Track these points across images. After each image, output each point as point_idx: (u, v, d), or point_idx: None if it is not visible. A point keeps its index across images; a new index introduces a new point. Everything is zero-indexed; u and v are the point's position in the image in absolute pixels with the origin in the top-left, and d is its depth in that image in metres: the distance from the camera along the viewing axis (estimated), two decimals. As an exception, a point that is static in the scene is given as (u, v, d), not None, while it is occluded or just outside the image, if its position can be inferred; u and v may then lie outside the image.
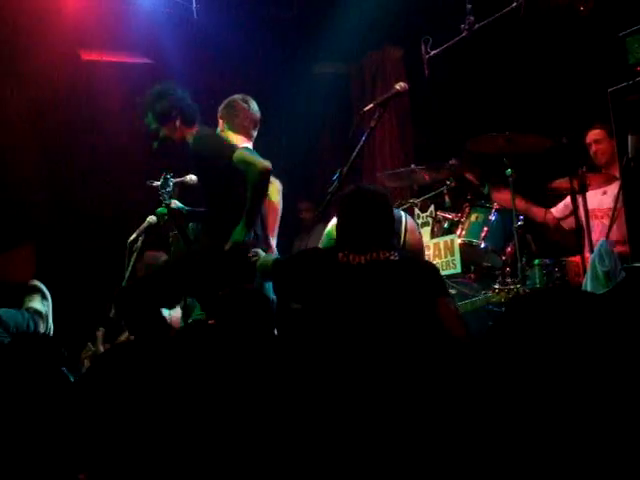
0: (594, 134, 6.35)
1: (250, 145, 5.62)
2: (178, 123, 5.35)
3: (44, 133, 8.13)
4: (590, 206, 5.82)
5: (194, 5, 7.57)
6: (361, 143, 4.82)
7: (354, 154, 4.77)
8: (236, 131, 5.66)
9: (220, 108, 5.77)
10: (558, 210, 6.56)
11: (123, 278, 6.32)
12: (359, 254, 3.90)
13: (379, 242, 3.95)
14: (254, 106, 5.78)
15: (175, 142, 5.43)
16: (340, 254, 3.91)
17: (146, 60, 8.19)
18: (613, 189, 6.07)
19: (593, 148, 6.35)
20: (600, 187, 6.20)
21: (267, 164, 5.06)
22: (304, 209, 8.46)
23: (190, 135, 5.36)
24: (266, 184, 5.13)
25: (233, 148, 5.18)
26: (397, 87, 4.92)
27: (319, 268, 3.92)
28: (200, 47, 8.08)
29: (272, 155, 6.33)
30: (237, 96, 5.81)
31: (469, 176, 6.49)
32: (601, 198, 6.22)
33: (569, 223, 6.38)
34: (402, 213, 4.98)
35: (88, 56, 7.96)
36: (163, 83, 5.48)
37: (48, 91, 7.86)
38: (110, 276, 6.66)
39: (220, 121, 5.73)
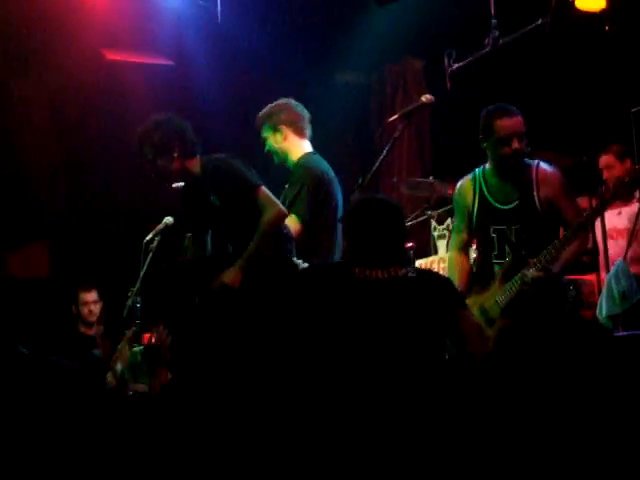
0: (605, 160, 6.31)
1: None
2: (177, 154, 5.18)
3: (65, 132, 8.18)
4: (606, 226, 5.82)
5: (218, 9, 7.59)
6: (384, 153, 4.81)
7: (377, 164, 4.76)
8: (300, 135, 5.51)
9: (274, 115, 5.52)
10: None
11: (138, 278, 6.34)
12: (375, 269, 3.77)
13: (395, 258, 3.87)
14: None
15: (172, 175, 5.28)
16: (357, 269, 3.77)
17: (169, 62, 8.22)
18: (628, 210, 6.08)
19: (605, 175, 6.33)
20: (616, 207, 6.21)
21: (284, 212, 5.00)
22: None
23: (195, 166, 5.24)
24: (276, 232, 5.03)
25: (254, 183, 5.07)
26: (423, 99, 4.89)
27: (336, 284, 3.81)
28: (223, 51, 8.11)
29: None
30: (283, 100, 5.63)
31: None
32: (617, 218, 6.22)
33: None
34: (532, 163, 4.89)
35: (112, 56, 7.99)
36: (161, 114, 5.31)
37: (71, 90, 7.91)
38: (125, 276, 6.68)
39: (283, 128, 5.46)
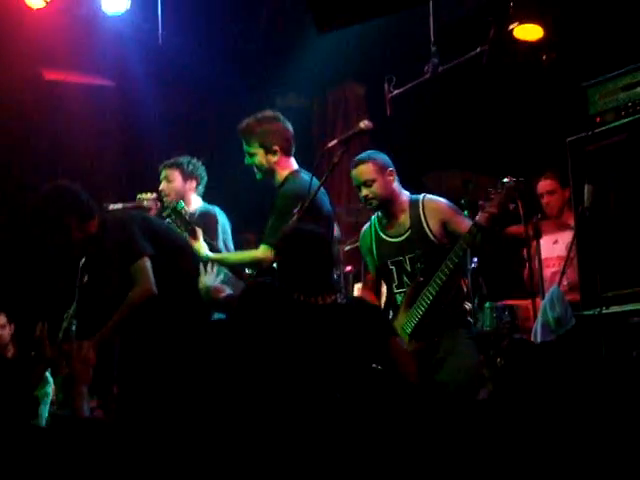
0: (546, 184, 6.42)
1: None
2: (75, 224, 5.11)
3: (3, 151, 8.06)
4: (542, 255, 5.89)
5: (160, 30, 7.57)
6: (323, 179, 4.85)
7: (316, 189, 4.79)
8: (289, 154, 5.39)
9: (269, 135, 5.33)
10: None
11: (74, 300, 6.27)
12: (306, 296, 3.86)
13: (323, 286, 3.93)
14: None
15: (76, 245, 5.23)
16: (295, 293, 3.86)
17: (110, 83, 8.18)
18: (565, 238, 6.14)
19: (545, 199, 6.41)
20: (552, 235, 6.28)
21: (153, 291, 5.01)
22: (252, 241, 8.42)
23: (94, 226, 5.19)
24: (141, 308, 5.04)
25: (140, 251, 5.08)
26: (361, 125, 4.94)
27: (276, 305, 3.88)
28: (164, 73, 8.09)
29: (230, 185, 6.36)
30: (270, 114, 5.49)
31: None
32: (552, 247, 6.29)
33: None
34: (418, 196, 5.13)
35: (51, 75, 7.92)
36: (48, 186, 5.23)
37: (9, 110, 7.82)
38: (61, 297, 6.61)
39: (277, 149, 5.32)
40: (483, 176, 5.91)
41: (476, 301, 5.80)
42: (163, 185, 6.22)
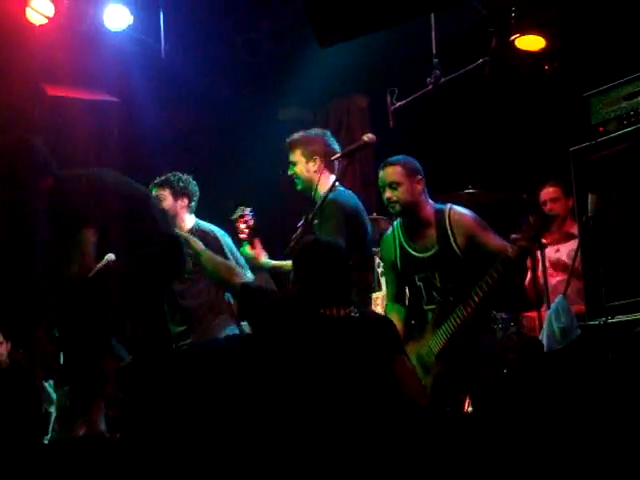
0: (550, 192, 6.41)
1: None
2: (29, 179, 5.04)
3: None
4: (546, 264, 5.88)
5: (162, 45, 7.59)
6: (327, 192, 4.85)
7: (320, 202, 4.80)
8: (331, 169, 5.46)
9: (311, 144, 5.50)
10: None
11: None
12: (324, 308, 3.88)
13: (339, 298, 3.93)
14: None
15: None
16: (313, 305, 3.89)
17: (113, 98, 8.18)
18: (567, 247, 6.14)
19: (548, 206, 6.40)
20: (555, 244, 6.27)
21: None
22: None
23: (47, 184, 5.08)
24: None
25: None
26: (365, 138, 4.97)
27: (290, 317, 3.91)
28: (167, 87, 8.10)
29: (234, 199, 6.36)
30: (319, 130, 5.66)
31: None
32: (554, 256, 6.28)
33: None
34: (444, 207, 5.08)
35: (54, 92, 7.93)
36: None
37: (12, 126, 7.81)
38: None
39: (317, 159, 5.42)
40: (488, 189, 5.91)
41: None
42: None
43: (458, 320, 4.75)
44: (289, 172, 5.50)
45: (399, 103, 5.74)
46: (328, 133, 5.57)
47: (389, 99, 5.77)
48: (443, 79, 5.62)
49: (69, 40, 7.60)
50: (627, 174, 4.78)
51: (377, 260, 6.33)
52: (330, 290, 3.91)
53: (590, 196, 4.86)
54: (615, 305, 4.80)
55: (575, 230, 5.50)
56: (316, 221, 5.22)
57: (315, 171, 5.33)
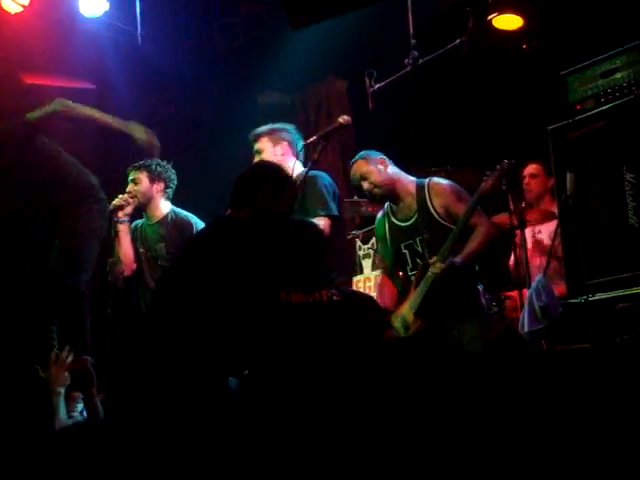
0: (531, 168, 6.45)
1: None
2: None
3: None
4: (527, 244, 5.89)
5: (139, 31, 7.55)
6: (304, 175, 4.85)
7: (297, 184, 4.79)
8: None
9: (278, 131, 5.74)
10: None
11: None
12: (301, 293, 3.83)
13: (318, 281, 3.90)
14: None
15: None
16: (282, 292, 3.83)
17: (89, 85, 8.14)
18: (548, 227, 6.15)
19: (526, 181, 6.44)
20: (536, 224, 6.28)
21: None
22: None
23: None
24: None
25: None
26: (340, 120, 4.99)
27: (260, 307, 3.84)
28: (144, 73, 8.05)
29: (212, 185, 6.34)
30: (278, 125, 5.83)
31: None
32: (537, 237, 6.28)
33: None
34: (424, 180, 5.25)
35: (31, 80, 7.87)
36: None
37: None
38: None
39: (285, 142, 5.70)
40: (466, 169, 5.91)
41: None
42: (130, 187, 6.18)
43: (430, 279, 4.88)
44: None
45: (378, 85, 5.72)
46: (293, 126, 5.75)
47: (368, 81, 5.75)
48: (421, 60, 5.60)
49: (45, 28, 7.54)
50: (605, 152, 4.78)
51: (358, 243, 6.34)
52: (306, 273, 3.88)
53: (569, 174, 4.87)
54: (595, 283, 4.82)
55: (555, 209, 5.50)
56: None
57: (282, 154, 5.39)
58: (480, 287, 5.23)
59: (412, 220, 5.19)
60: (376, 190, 5.20)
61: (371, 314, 3.95)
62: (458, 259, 4.89)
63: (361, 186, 5.26)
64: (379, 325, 3.93)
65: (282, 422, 3.50)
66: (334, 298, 3.85)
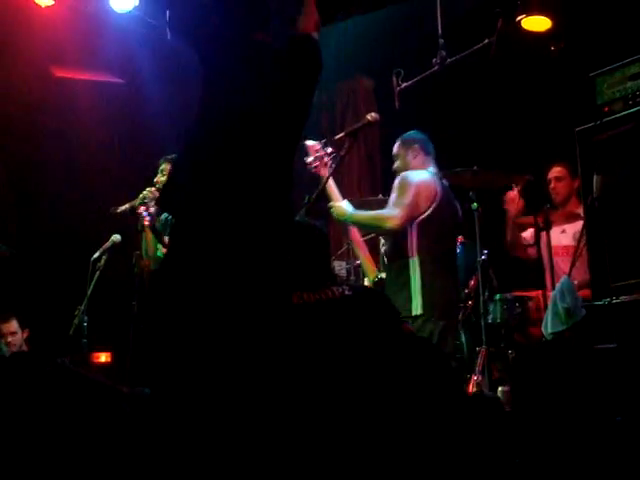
0: (556, 171, 6.42)
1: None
2: None
3: (12, 149, 8.06)
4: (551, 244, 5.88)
5: (167, 27, 7.56)
6: (330, 171, 4.87)
7: (323, 182, 4.81)
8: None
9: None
10: (526, 238, 6.61)
11: (85, 296, 6.31)
12: (312, 292, 3.81)
13: (326, 278, 3.93)
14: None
15: None
16: (295, 296, 3.82)
17: (118, 80, 8.19)
18: (572, 228, 6.14)
19: (552, 184, 6.41)
20: (560, 225, 6.27)
21: None
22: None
23: None
24: None
25: None
26: (368, 117, 4.99)
27: (275, 317, 3.83)
28: (173, 68, 8.08)
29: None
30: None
31: None
32: (560, 236, 6.27)
33: (533, 251, 6.42)
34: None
35: (60, 73, 7.93)
36: None
37: (18, 106, 7.83)
38: (72, 294, 6.62)
39: None
40: (493, 170, 5.91)
41: (486, 293, 5.78)
42: (159, 178, 6.19)
43: None
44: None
45: (405, 84, 5.74)
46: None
47: (395, 80, 5.77)
48: (449, 60, 5.61)
49: (75, 22, 7.60)
50: (632, 154, 4.77)
51: (382, 241, 6.34)
52: (321, 269, 3.91)
53: (595, 177, 4.86)
54: (620, 285, 4.81)
55: (581, 211, 5.49)
56: None
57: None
58: None
59: None
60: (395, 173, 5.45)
61: (384, 307, 3.96)
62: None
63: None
64: (393, 318, 3.94)
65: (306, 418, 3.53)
66: (346, 293, 3.86)
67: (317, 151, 5.31)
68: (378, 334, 3.77)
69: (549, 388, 4.34)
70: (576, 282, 5.56)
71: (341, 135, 5.03)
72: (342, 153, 4.91)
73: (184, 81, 8.24)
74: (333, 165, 4.95)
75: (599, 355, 4.46)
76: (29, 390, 3.51)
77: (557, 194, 6.38)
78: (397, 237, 5.28)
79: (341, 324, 3.75)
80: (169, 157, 6.22)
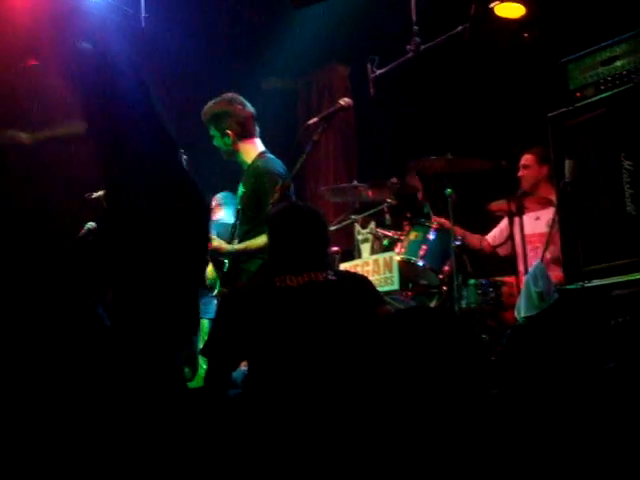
0: (523, 159, 6.47)
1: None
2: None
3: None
4: (525, 232, 5.92)
5: (142, 14, 7.54)
6: (304, 156, 4.88)
7: (297, 166, 4.83)
8: (249, 136, 5.76)
9: (220, 120, 5.72)
10: (493, 237, 6.66)
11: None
12: (296, 276, 3.86)
13: (316, 263, 3.95)
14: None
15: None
16: (277, 280, 3.86)
17: (92, 66, 8.13)
18: (546, 215, 6.18)
19: (520, 172, 6.46)
20: (535, 211, 6.31)
21: None
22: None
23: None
24: None
25: None
26: (341, 102, 5.01)
27: (259, 300, 3.87)
28: (147, 57, 8.05)
29: (218, 168, 6.37)
30: (228, 97, 5.84)
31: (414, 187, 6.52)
32: (534, 223, 6.31)
33: (505, 249, 6.48)
34: None
35: (33, 61, 7.88)
36: None
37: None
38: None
39: (230, 133, 5.69)
40: (467, 157, 5.94)
41: (460, 278, 5.82)
42: None
43: None
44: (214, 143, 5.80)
45: (379, 71, 5.75)
46: (237, 97, 5.84)
47: (370, 67, 5.78)
48: (423, 46, 5.62)
49: (47, 9, 7.54)
50: (604, 139, 4.81)
51: (357, 228, 6.37)
52: (306, 255, 3.93)
53: (567, 162, 4.89)
54: (592, 269, 4.85)
55: (554, 197, 5.54)
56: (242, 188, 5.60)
57: (232, 145, 5.75)
58: None
59: None
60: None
61: (366, 291, 4.00)
62: None
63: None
64: (374, 301, 3.98)
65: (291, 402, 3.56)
66: (329, 277, 3.90)
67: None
68: (355, 316, 3.82)
69: (524, 371, 4.37)
70: (550, 256, 5.62)
71: (315, 120, 5.03)
72: (315, 138, 4.92)
73: (159, 70, 8.24)
74: (308, 149, 4.95)
75: (572, 339, 4.51)
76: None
77: (525, 181, 6.42)
78: None
79: (320, 307, 3.80)
80: None
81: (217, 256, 5.38)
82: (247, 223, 5.48)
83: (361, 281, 4.11)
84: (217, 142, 5.72)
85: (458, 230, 6.29)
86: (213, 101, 5.75)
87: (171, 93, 8.25)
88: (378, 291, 4.18)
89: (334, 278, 3.92)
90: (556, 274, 5.39)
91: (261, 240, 5.14)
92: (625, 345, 4.01)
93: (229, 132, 5.62)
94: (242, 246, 5.43)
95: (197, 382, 5.77)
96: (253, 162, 5.62)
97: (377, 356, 3.73)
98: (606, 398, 3.82)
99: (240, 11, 8.13)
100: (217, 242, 5.36)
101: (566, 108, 4.95)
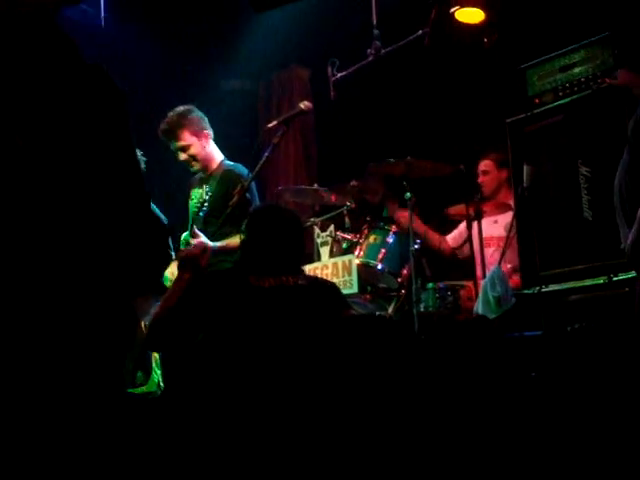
0: (482, 164, 6.49)
1: None
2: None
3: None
4: (483, 234, 5.95)
5: (102, 15, 7.49)
6: (263, 159, 4.88)
7: (256, 169, 4.83)
8: (208, 141, 5.87)
9: (192, 122, 5.79)
10: (453, 239, 6.68)
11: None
12: (269, 277, 3.89)
13: (290, 267, 3.98)
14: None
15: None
16: (252, 278, 3.88)
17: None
18: (504, 219, 6.21)
19: (480, 179, 6.48)
20: (493, 215, 6.34)
21: None
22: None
23: None
24: None
25: None
26: (301, 106, 5.01)
27: (231, 291, 3.88)
28: (106, 58, 7.98)
29: (173, 170, 6.34)
30: (186, 107, 5.88)
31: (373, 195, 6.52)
32: (493, 227, 6.34)
33: (464, 252, 6.50)
34: None
35: None
36: None
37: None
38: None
39: (205, 133, 5.81)
40: (426, 160, 5.95)
41: (419, 282, 5.83)
42: None
43: None
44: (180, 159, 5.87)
45: (340, 74, 5.75)
46: (191, 109, 5.89)
47: (330, 70, 5.78)
48: (383, 50, 5.63)
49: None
50: (561, 145, 4.86)
51: (316, 231, 6.37)
52: (279, 258, 3.96)
53: (525, 167, 4.93)
54: (549, 274, 4.90)
55: (512, 201, 5.57)
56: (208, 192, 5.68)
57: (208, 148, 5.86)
58: None
59: None
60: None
61: (332, 296, 4.04)
62: None
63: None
64: (339, 305, 4.02)
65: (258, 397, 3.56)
66: (299, 282, 3.93)
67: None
68: (318, 322, 3.84)
69: (477, 375, 4.40)
70: (510, 266, 5.66)
71: (274, 123, 5.03)
72: (275, 141, 4.92)
73: (117, 70, 8.17)
74: (268, 152, 4.94)
75: (526, 342, 4.55)
76: None
77: (486, 186, 6.45)
78: None
79: (284, 310, 3.82)
80: None
81: (202, 252, 5.35)
82: (212, 225, 5.52)
83: (330, 288, 4.15)
84: (179, 155, 5.82)
85: (421, 225, 6.30)
86: (174, 113, 5.84)
87: (129, 93, 8.21)
88: (345, 299, 4.20)
89: (304, 283, 3.95)
90: (515, 280, 5.42)
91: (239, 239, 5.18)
92: (581, 351, 4.04)
93: (188, 142, 5.75)
94: (223, 243, 5.48)
95: (150, 387, 5.72)
96: (218, 167, 5.77)
97: (330, 359, 3.77)
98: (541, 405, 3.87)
99: (200, 12, 8.08)
100: (204, 238, 5.34)
101: (524, 114, 4.99)
